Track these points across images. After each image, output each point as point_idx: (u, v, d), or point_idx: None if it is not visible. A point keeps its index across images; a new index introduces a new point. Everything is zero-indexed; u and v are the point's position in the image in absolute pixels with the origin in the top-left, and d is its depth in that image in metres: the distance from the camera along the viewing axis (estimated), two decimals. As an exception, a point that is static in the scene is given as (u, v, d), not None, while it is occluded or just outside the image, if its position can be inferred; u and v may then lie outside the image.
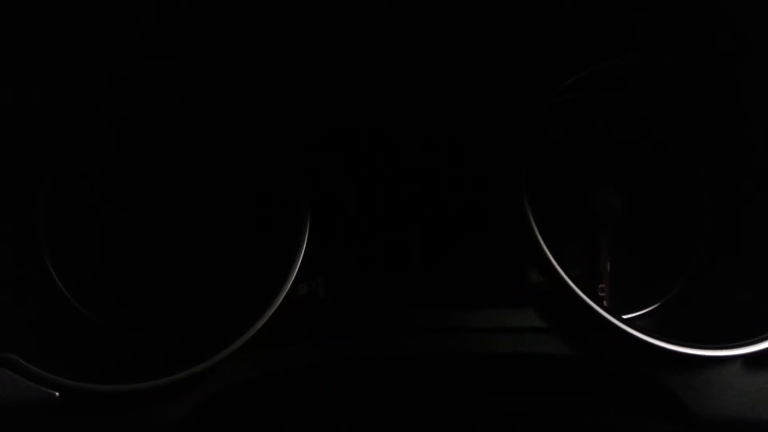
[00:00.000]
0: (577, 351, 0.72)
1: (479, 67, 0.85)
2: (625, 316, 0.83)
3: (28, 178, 0.79)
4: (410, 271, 0.88)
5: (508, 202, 0.75)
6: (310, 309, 0.73)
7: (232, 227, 0.83)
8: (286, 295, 0.68)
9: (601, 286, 0.86)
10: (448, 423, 0.72)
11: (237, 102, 0.78)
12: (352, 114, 0.89)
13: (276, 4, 0.73)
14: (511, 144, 0.78)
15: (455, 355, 0.72)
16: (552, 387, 0.75)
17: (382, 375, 0.74)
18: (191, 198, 0.82)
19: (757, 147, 0.81)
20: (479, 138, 0.86)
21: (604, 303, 0.85)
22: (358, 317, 0.74)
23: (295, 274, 0.69)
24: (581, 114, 0.87)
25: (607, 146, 0.87)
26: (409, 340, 0.72)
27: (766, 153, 0.80)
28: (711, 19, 0.74)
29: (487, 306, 0.74)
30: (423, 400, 0.75)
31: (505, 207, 0.77)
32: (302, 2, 0.72)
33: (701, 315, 0.81)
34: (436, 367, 0.74)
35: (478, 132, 0.86)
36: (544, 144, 0.84)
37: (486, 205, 0.85)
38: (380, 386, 0.74)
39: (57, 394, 0.62)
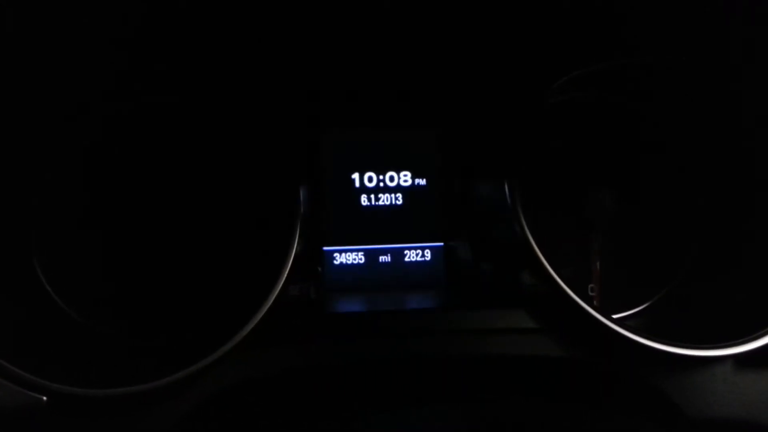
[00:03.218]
0: (569, 352, 0.72)
1: (475, 68, 0.85)
2: (615, 316, 0.83)
3: (18, 183, 0.78)
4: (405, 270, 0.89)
5: (499, 202, 0.75)
6: (302, 311, 0.72)
7: (223, 230, 0.82)
8: (277, 297, 0.68)
9: (591, 285, 0.86)
10: (442, 423, 0.72)
11: (229, 107, 0.77)
12: (347, 114, 0.89)
13: (279, 8, 0.73)
14: (504, 144, 0.78)
15: (447, 357, 0.72)
16: (543, 388, 0.75)
17: (374, 377, 0.74)
18: (182, 202, 0.81)
19: (752, 151, 0.81)
20: (473, 138, 0.86)
21: (595, 303, 0.85)
22: (350, 320, 0.73)
23: (285, 277, 0.69)
24: (575, 115, 0.87)
25: (601, 147, 0.88)
26: (401, 343, 0.71)
27: (760, 157, 0.80)
28: (707, 21, 0.74)
29: (479, 308, 0.74)
30: (415, 401, 0.75)
31: (497, 207, 0.77)
32: (304, 3, 0.72)
33: (692, 315, 0.81)
34: (428, 368, 0.74)
35: (473, 132, 0.86)
36: (537, 144, 0.84)
37: (478, 205, 0.85)
38: (372, 388, 0.74)
39: (44, 398, 0.61)
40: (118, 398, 0.62)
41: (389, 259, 0.90)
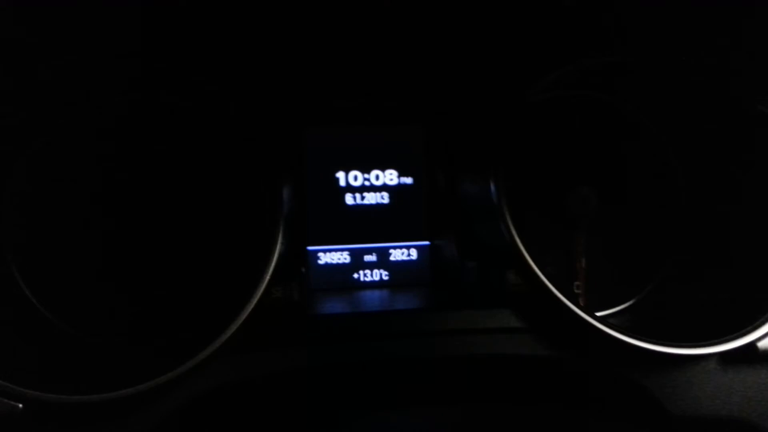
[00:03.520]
0: (554, 351, 0.72)
1: (460, 66, 0.85)
2: (600, 313, 0.83)
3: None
4: (385, 272, 0.88)
5: (485, 200, 0.74)
6: (285, 313, 0.71)
7: (205, 231, 0.81)
8: (260, 299, 0.67)
9: (576, 283, 0.86)
10: (428, 424, 0.72)
11: (211, 107, 0.76)
12: (332, 112, 0.88)
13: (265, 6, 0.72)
14: (490, 142, 0.77)
15: (433, 357, 0.71)
16: (529, 388, 0.75)
17: (360, 379, 0.73)
18: (163, 202, 0.80)
19: (738, 150, 0.82)
20: (459, 137, 0.86)
21: (580, 300, 0.85)
22: (334, 321, 0.72)
23: (268, 278, 0.67)
24: (559, 113, 0.86)
25: (585, 145, 0.87)
26: (386, 344, 0.70)
27: (742, 154, 0.81)
28: (694, 21, 0.74)
29: (465, 307, 0.73)
30: (401, 402, 0.74)
31: (482, 206, 0.76)
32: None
33: (677, 313, 0.81)
34: (414, 370, 0.73)
35: (459, 131, 0.86)
36: (523, 143, 0.83)
37: (464, 204, 0.84)
38: (358, 390, 0.73)
39: (20, 405, 0.60)
40: (96, 405, 0.61)
41: (375, 259, 0.89)
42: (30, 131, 0.78)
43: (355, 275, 0.88)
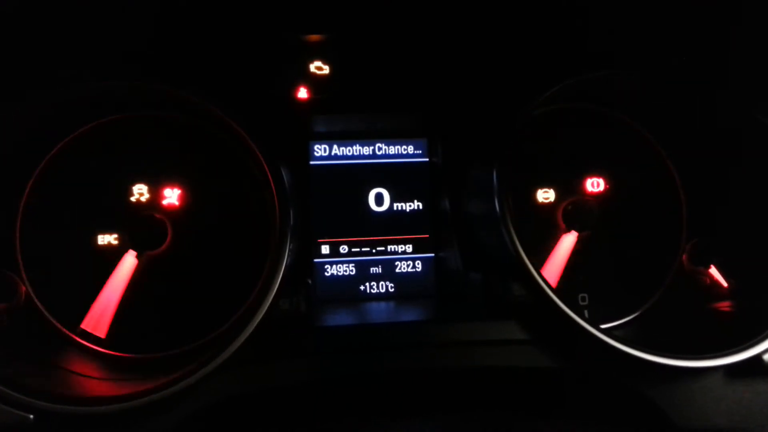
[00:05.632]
0: (560, 363, 0.72)
1: (462, 80, 0.86)
2: (605, 326, 0.83)
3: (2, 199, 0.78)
4: (391, 284, 0.89)
5: (488, 212, 0.75)
6: (292, 324, 0.72)
7: (213, 244, 0.82)
8: (267, 311, 0.67)
9: (582, 295, 0.86)
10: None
11: (218, 120, 0.76)
12: (338, 124, 0.89)
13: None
14: (491, 155, 0.78)
15: (438, 369, 0.72)
16: (534, 399, 0.75)
17: (365, 390, 0.74)
18: (172, 218, 0.81)
19: (733, 155, 0.82)
20: (463, 147, 0.86)
21: (585, 313, 0.85)
22: (340, 333, 0.73)
23: (275, 290, 0.68)
24: (560, 126, 0.87)
25: (586, 157, 0.88)
26: (391, 356, 0.71)
27: (742, 161, 0.81)
28: (691, 31, 0.75)
29: (470, 319, 0.74)
30: (406, 414, 0.74)
31: (486, 218, 0.77)
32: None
33: (682, 325, 0.81)
34: (419, 381, 0.74)
35: (462, 140, 0.87)
36: (524, 155, 0.84)
37: (468, 216, 0.85)
38: (362, 401, 0.74)
39: (31, 417, 0.60)
40: (105, 416, 0.61)
41: (380, 271, 0.90)
42: (40, 145, 0.79)
43: (361, 287, 0.89)
